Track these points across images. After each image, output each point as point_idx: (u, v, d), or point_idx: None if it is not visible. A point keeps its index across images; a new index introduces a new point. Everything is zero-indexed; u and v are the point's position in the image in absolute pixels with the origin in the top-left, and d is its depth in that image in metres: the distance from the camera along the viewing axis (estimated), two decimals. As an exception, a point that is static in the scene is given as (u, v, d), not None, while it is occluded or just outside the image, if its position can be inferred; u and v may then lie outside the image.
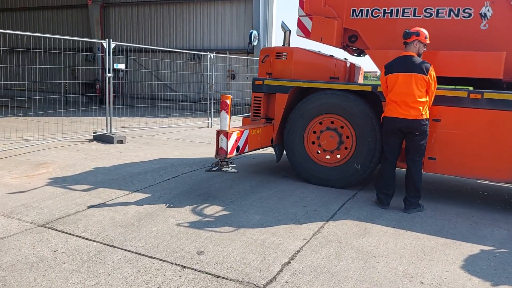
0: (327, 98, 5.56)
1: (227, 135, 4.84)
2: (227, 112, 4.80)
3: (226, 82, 15.64)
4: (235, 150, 5.07)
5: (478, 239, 4.03)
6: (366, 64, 22.05)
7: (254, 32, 15.17)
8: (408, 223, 4.37)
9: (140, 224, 4.05)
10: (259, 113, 6.12)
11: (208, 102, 11.58)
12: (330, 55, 6.26)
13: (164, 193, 5.07)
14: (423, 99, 4.53)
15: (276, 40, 15.27)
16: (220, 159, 4.93)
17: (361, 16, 5.76)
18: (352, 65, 6.29)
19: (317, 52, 6.19)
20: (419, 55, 4.66)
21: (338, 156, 5.60)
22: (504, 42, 5.05)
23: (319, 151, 5.72)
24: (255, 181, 5.77)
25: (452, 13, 5.24)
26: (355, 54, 6.61)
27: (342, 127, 5.55)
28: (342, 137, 5.55)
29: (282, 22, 6.76)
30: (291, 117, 5.82)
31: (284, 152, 6.07)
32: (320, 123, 5.68)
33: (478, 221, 4.54)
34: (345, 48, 6.38)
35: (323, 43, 6.15)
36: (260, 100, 6.08)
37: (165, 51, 15.43)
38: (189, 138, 9.44)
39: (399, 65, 4.59)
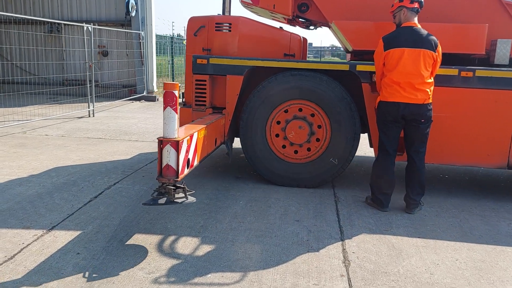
0: (295, 81, 4.51)
1: (177, 145, 3.10)
2: (175, 110, 3.06)
3: (97, 60, 13.17)
4: (186, 167, 3.36)
5: (506, 239, 3.56)
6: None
7: (132, 0, 13.08)
8: (427, 229, 3.69)
9: (98, 296, 2.50)
10: (204, 101, 4.75)
11: (88, 85, 9.39)
12: (280, 28, 5.18)
13: (99, 227, 3.46)
14: (430, 80, 3.83)
15: (156, 11, 13.34)
16: (166, 184, 3.15)
17: (319, -20, 4.80)
18: (305, 39, 5.32)
19: (266, 24, 5.06)
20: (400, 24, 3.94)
21: (309, 149, 4.65)
22: (476, 12, 4.64)
23: (285, 145, 4.68)
24: (209, 190, 4.48)
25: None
26: (304, 27, 5.66)
27: (312, 115, 4.59)
28: (313, 127, 4.60)
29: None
30: (248, 105, 4.62)
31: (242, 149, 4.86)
32: (286, 111, 4.62)
33: (483, 214, 4.11)
34: (292, 19, 5.37)
35: (275, 12, 5.03)
36: (205, 85, 4.70)
37: (13, 20, 12.21)
38: (75, 133, 7.38)
39: (406, 38, 3.78)
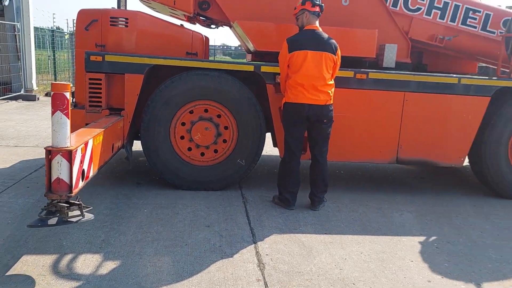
0: (200, 81, 4.36)
1: (70, 155, 2.71)
2: (66, 115, 2.68)
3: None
4: (81, 179, 2.96)
5: (400, 229, 3.86)
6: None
7: (5, -13, 11.57)
8: (332, 225, 3.83)
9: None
10: (99, 102, 4.34)
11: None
12: (181, 25, 4.98)
13: (-24, 252, 2.93)
14: (331, 82, 3.99)
15: (35, 1, 11.90)
16: (57, 201, 2.71)
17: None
18: (207, 38, 5.18)
19: (166, 21, 4.82)
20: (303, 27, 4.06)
21: (216, 151, 4.54)
22: (365, 19, 4.98)
23: (191, 148, 4.50)
24: (108, 200, 4.11)
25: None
26: (205, 25, 5.51)
27: (219, 115, 4.49)
28: (219, 128, 4.50)
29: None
30: (150, 106, 4.34)
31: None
32: (191, 112, 4.45)
33: (379, 206, 4.41)
34: (193, 16, 5.20)
35: (176, 8, 4.81)
36: (101, 84, 4.30)
37: None
38: None
39: (309, 41, 3.87)
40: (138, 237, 3.33)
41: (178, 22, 5.28)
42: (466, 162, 4.99)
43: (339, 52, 4.00)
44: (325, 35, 3.94)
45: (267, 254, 3.19)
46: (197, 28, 5.65)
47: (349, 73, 4.53)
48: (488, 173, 4.84)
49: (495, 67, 5.18)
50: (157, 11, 5.57)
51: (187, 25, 5.40)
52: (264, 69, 4.41)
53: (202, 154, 4.52)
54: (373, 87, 4.58)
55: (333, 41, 3.96)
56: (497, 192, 4.90)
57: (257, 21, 4.65)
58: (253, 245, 3.33)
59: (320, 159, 4.10)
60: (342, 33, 4.65)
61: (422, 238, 3.66)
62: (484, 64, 6.27)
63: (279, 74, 4.20)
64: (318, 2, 3.96)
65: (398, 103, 4.63)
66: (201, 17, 5.27)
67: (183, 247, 3.21)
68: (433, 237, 3.69)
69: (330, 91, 3.96)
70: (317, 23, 4.00)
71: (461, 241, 3.64)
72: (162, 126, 4.38)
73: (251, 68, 4.43)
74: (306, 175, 4.31)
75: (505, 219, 4.25)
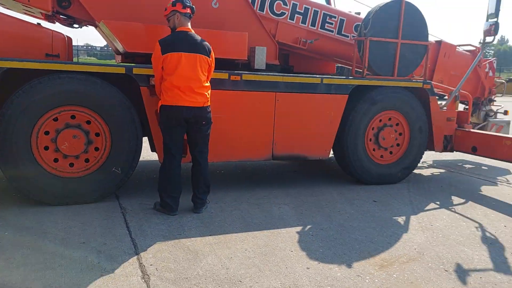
0: (65, 85, 4.00)
1: None
2: None
3: None
4: None
5: (280, 221, 4.06)
6: None
7: None
8: (216, 226, 3.86)
9: None
10: None
11: None
12: (38, 24, 4.50)
13: None
14: (207, 84, 4.01)
15: None
16: None
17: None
18: (69, 38, 4.76)
19: (20, 19, 4.31)
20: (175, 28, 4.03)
21: (88, 161, 4.22)
22: (234, 22, 5.13)
23: (57, 159, 4.11)
24: (-42, 224, 3.53)
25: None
26: (66, 24, 5.06)
27: (88, 122, 4.18)
28: (89, 135, 4.19)
29: None
30: (5, 115, 3.84)
31: None
32: (55, 119, 4.06)
33: (258, 202, 4.58)
34: (52, 15, 4.74)
35: (31, 6, 4.33)
36: None
37: None
38: None
39: (182, 42, 3.82)
40: (0, 264, 2.93)
41: (35, 21, 4.77)
42: (331, 154, 5.48)
43: (213, 54, 4.04)
44: (198, 37, 3.94)
45: (151, 264, 3.08)
46: (58, 27, 5.17)
47: (223, 75, 4.61)
48: (350, 162, 5.39)
49: (351, 68, 5.79)
50: (7, 8, 4.94)
51: (46, 24, 4.91)
52: (136, 71, 4.24)
53: (71, 164, 4.17)
54: (247, 88, 4.74)
55: (207, 43, 3.99)
56: (358, 179, 5.49)
57: (125, 21, 4.44)
58: (135, 256, 3.18)
59: (200, 161, 4.10)
60: (214, 35, 4.71)
61: (299, 228, 3.91)
62: (340, 65, 6.99)
63: (153, 76, 4.08)
64: (189, 4, 3.94)
65: (270, 103, 4.87)
66: (61, 16, 4.83)
67: (55, 269, 2.91)
68: (309, 226, 3.98)
69: (207, 93, 3.98)
70: (189, 24, 3.98)
71: (332, 227, 3.99)
72: (21, 137, 3.92)
73: (122, 70, 4.21)
74: (187, 178, 4.28)
75: (366, 202, 4.78)
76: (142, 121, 4.43)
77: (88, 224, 3.72)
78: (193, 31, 3.97)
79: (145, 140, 4.88)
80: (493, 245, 3.73)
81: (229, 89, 4.66)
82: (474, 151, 5.76)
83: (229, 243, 3.52)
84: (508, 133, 6.71)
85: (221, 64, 4.80)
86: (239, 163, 6.34)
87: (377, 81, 5.36)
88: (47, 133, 4.03)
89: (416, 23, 5.50)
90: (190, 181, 4.21)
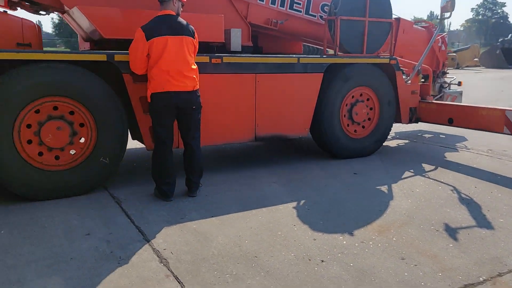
0: (44, 75, 3.82)
1: None
2: None
3: None
4: None
5: (275, 199, 4.17)
6: None
7: None
8: (214, 207, 3.91)
9: None
10: None
11: None
12: (4, 11, 4.22)
13: None
14: (194, 67, 3.99)
15: None
16: None
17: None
18: (39, 26, 4.50)
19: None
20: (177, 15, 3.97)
21: (73, 152, 4.09)
22: (207, 4, 5.09)
23: (42, 152, 3.95)
24: None
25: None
26: (32, 11, 4.77)
27: (72, 112, 4.03)
28: (74, 126, 4.05)
29: None
30: (-18, 110, 3.62)
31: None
32: (37, 111, 3.88)
33: (248, 182, 4.67)
34: (17, 1, 4.46)
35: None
36: None
37: None
38: None
39: (164, 26, 3.76)
40: (8, 262, 2.82)
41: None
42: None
43: (196, 35, 4.02)
44: (181, 20, 3.91)
45: (164, 249, 3.10)
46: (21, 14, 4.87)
47: (205, 58, 4.59)
48: (327, 139, 5.60)
49: (317, 47, 5.94)
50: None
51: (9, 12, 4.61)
52: (118, 58, 4.13)
53: (57, 157, 4.02)
54: (228, 71, 4.76)
55: (191, 26, 3.96)
56: (334, 155, 5.72)
57: (101, 7, 4.28)
58: (146, 243, 3.18)
59: (193, 145, 4.11)
60: (190, 18, 4.58)
61: (294, 204, 4.06)
62: (307, 44, 7.15)
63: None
64: None
65: (251, 85, 4.93)
66: (26, 2, 4.56)
67: (69, 262, 2.86)
68: (302, 201, 4.14)
69: (195, 76, 3.97)
70: (170, 7, 3.91)
71: (324, 200, 4.18)
72: (2, 132, 3.71)
73: (103, 57, 4.08)
74: (178, 163, 4.27)
75: (348, 175, 5.02)
76: (126, 109, 4.34)
77: (86, 215, 3.64)
78: (175, 14, 3.91)
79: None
80: (470, 204, 4.10)
81: (210, 72, 4.65)
82: (450, 122, 6.01)
83: (233, 222, 3.60)
84: (461, 103, 7.24)
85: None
86: (221, 146, 6.37)
87: (350, 59, 5.58)
88: (29, 126, 3.85)
89: (381, 1, 5.74)
90: (183, 166, 4.21)
